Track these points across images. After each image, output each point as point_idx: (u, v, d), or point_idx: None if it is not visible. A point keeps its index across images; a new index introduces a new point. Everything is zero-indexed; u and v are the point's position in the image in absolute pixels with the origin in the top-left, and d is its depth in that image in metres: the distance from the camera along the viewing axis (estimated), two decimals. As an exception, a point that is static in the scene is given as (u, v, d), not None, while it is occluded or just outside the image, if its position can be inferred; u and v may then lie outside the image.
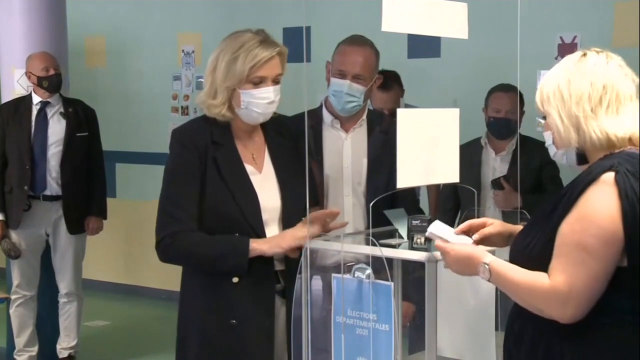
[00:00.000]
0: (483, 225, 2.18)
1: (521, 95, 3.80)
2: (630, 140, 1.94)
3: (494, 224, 2.18)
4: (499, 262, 1.99)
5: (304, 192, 2.45)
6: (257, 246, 2.41)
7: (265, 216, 2.49)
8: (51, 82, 4.56)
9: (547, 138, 2.05)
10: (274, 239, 2.44)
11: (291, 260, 2.50)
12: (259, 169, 2.54)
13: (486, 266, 1.97)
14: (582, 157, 1.99)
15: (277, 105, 2.52)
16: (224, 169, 2.46)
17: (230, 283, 2.44)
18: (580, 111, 1.93)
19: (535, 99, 2.05)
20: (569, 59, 2.02)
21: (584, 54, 2.02)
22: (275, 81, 2.47)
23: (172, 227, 2.44)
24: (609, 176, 1.86)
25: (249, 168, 2.51)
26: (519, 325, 2.03)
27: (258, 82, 2.43)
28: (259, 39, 2.43)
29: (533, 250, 1.96)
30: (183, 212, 2.43)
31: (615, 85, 1.95)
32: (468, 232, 2.15)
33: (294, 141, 2.64)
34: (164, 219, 2.46)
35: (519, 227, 2.19)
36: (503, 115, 3.87)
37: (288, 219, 2.51)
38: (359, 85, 2.97)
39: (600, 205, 1.85)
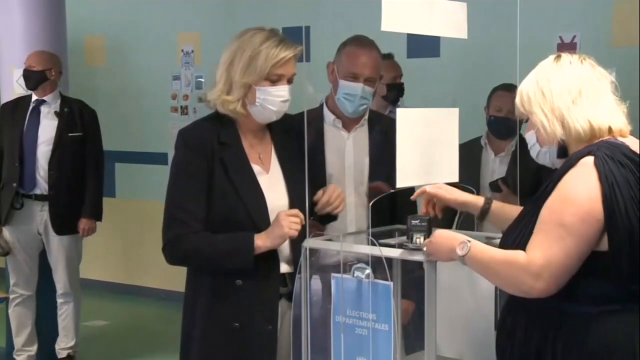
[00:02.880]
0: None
1: None
2: (610, 130, 2.01)
3: (448, 192, 2.35)
4: (480, 243, 2.06)
5: (310, 191, 2.46)
6: (262, 244, 2.39)
7: (272, 217, 2.46)
8: (26, 77, 4.56)
9: (530, 138, 2.13)
10: (273, 231, 2.40)
11: (299, 262, 2.49)
12: (266, 169, 2.53)
13: (468, 243, 2.03)
14: (563, 151, 2.06)
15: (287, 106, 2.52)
16: (231, 170, 2.45)
17: (234, 286, 2.43)
18: (563, 103, 2.02)
19: (515, 101, 2.12)
20: (545, 62, 2.12)
21: (558, 56, 2.11)
22: (290, 81, 2.49)
23: (176, 230, 2.43)
24: (588, 160, 1.95)
25: (256, 168, 2.50)
26: (511, 321, 2.07)
27: (275, 80, 2.45)
28: (278, 37, 2.46)
29: (522, 240, 2.01)
30: (187, 214, 2.42)
31: (591, 79, 2.05)
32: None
33: (299, 140, 2.63)
34: (169, 221, 2.46)
35: (475, 197, 2.35)
36: (504, 114, 3.84)
37: None
38: (370, 87, 2.99)
39: (578, 185, 1.93)
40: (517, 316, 2.05)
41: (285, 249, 2.50)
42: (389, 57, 4.38)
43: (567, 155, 2.05)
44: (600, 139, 2.00)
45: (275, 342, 2.48)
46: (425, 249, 2.12)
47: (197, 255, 2.45)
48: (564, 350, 1.96)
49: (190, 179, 2.44)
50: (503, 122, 3.84)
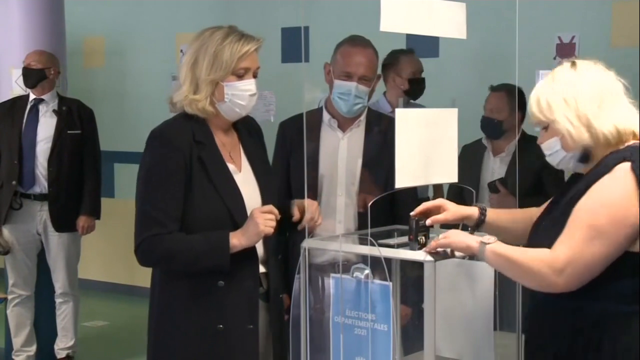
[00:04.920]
0: (438, 209, 2.28)
1: (522, 95, 3.82)
2: (633, 134, 2.05)
3: (447, 211, 2.28)
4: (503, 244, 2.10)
5: (275, 193, 2.52)
6: (237, 242, 2.36)
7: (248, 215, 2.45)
8: (26, 75, 4.56)
9: (553, 145, 2.12)
10: (248, 229, 2.37)
11: (270, 262, 2.50)
12: (239, 167, 2.53)
13: (492, 237, 2.08)
14: (586, 156, 2.08)
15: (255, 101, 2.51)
16: (210, 169, 2.42)
17: (216, 287, 2.40)
18: (589, 110, 2.04)
19: (531, 110, 2.12)
20: (560, 70, 2.13)
21: (573, 63, 2.12)
22: (255, 75, 2.48)
23: (150, 230, 2.38)
24: (624, 165, 1.97)
25: (230, 167, 2.49)
26: (548, 327, 2.09)
27: (242, 75, 2.44)
28: (238, 32, 2.46)
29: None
30: (163, 214, 2.38)
31: (609, 84, 2.08)
32: (426, 215, 2.24)
33: (262, 141, 2.67)
34: (142, 221, 2.40)
35: (471, 209, 2.31)
36: (488, 114, 3.93)
37: None
38: (364, 86, 2.99)
39: (615, 190, 1.96)
40: (555, 323, 2.07)
41: (260, 248, 2.48)
42: (409, 52, 4.45)
43: (589, 159, 2.07)
44: (627, 144, 2.04)
45: (256, 341, 2.47)
46: (441, 237, 2.13)
47: (172, 257, 2.40)
48: (610, 350, 1.98)
49: (168, 178, 2.39)
50: (487, 122, 3.92)
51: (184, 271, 2.43)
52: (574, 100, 2.05)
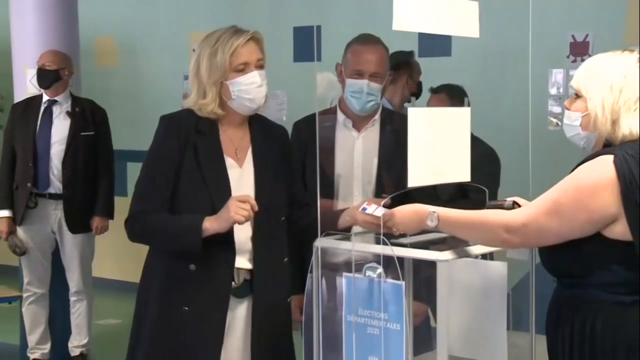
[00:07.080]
0: None
1: (464, 94, 3.82)
2: None
3: None
4: (447, 209, 2.14)
5: (279, 195, 2.55)
6: (209, 226, 2.40)
7: None
8: (40, 76, 4.58)
9: (574, 118, 2.11)
10: (221, 215, 2.41)
11: (258, 260, 2.52)
12: (240, 164, 2.56)
13: (434, 213, 2.12)
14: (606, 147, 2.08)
15: (265, 91, 2.53)
16: (202, 157, 2.49)
17: (188, 271, 2.47)
18: (623, 107, 2.02)
19: (578, 75, 2.10)
20: (624, 55, 2.07)
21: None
22: (258, 66, 2.52)
23: (140, 206, 2.51)
24: (607, 157, 1.98)
25: (229, 161, 2.54)
26: (557, 312, 2.12)
27: (242, 70, 2.49)
28: (232, 30, 2.52)
29: None
30: (152, 193, 2.50)
31: None
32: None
33: (281, 146, 2.66)
34: (135, 197, 2.54)
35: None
36: None
37: (258, 217, 2.47)
38: (376, 83, 2.99)
39: (590, 175, 1.97)
40: (563, 306, 2.10)
41: (247, 243, 2.52)
42: (413, 54, 4.49)
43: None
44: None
45: (222, 331, 2.50)
46: (387, 222, 2.17)
47: (150, 233, 2.51)
48: (604, 339, 1.99)
49: (162, 162, 2.50)
50: None
51: (162, 249, 2.54)
52: (619, 92, 2.02)
